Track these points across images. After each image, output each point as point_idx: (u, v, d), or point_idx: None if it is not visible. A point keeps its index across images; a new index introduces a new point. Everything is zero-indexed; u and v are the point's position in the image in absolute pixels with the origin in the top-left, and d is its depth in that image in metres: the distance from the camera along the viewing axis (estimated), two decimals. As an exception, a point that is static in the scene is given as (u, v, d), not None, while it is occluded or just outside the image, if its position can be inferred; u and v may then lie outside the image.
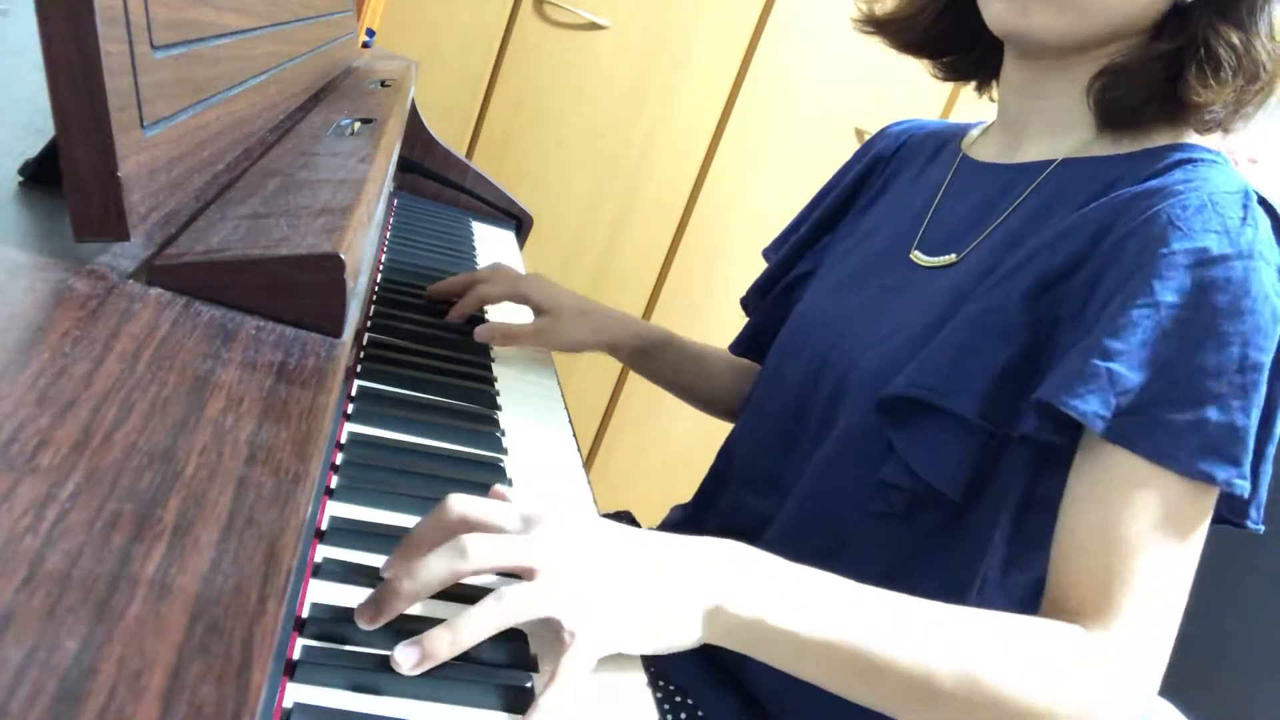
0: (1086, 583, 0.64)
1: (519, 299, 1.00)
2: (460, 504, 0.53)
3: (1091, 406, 0.63)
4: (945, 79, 0.93)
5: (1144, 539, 0.63)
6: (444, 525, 0.53)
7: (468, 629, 0.49)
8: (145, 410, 0.38)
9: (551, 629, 0.52)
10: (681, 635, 0.55)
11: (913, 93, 2.13)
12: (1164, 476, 0.63)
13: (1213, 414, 0.63)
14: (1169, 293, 0.64)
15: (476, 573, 0.51)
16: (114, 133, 0.44)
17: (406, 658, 0.47)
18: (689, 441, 2.31)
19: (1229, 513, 0.67)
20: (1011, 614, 0.63)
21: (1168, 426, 0.63)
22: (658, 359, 1.06)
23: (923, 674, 0.58)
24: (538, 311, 1.00)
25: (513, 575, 0.54)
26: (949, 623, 0.61)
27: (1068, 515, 0.67)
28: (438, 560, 0.50)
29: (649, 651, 0.55)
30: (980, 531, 0.73)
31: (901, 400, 0.72)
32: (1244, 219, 0.66)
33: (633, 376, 2.27)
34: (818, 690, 0.73)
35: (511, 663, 0.52)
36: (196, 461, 0.37)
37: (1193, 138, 0.75)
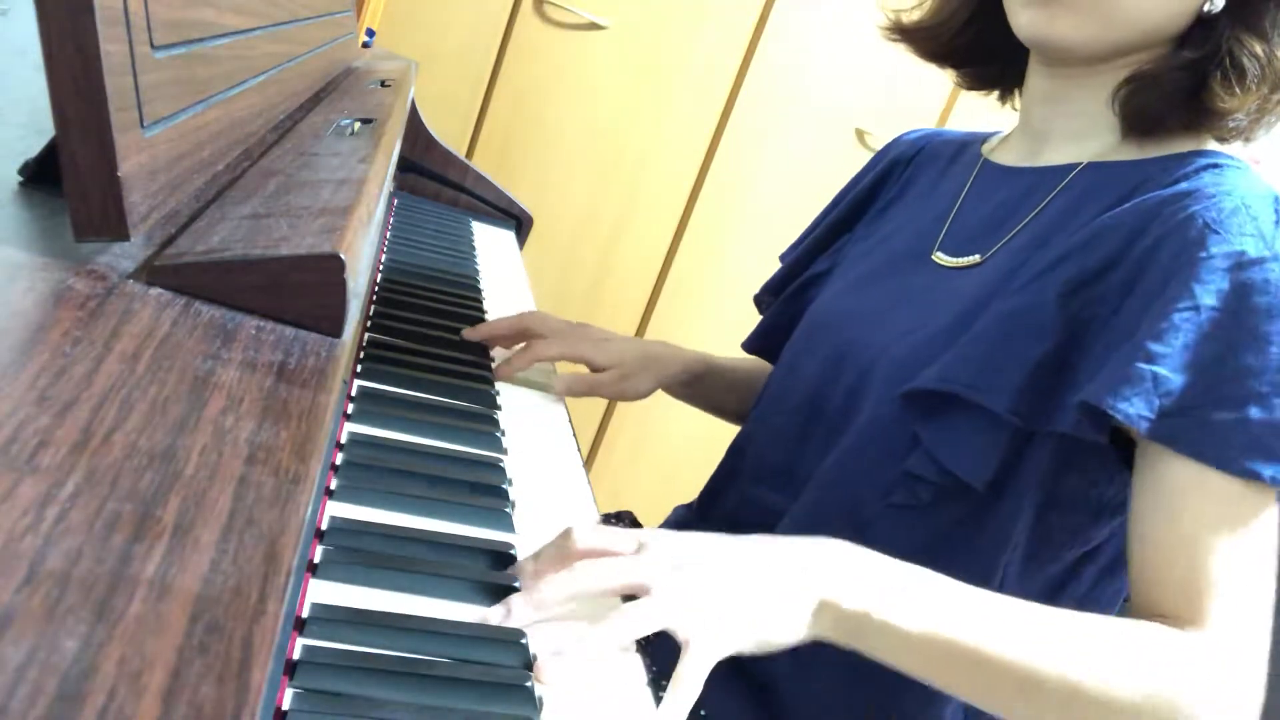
0: (1169, 591, 0.65)
1: (577, 360, 0.99)
2: (582, 538, 0.59)
3: (1136, 409, 0.64)
4: (969, 89, 0.94)
5: (1212, 542, 0.64)
6: (567, 555, 0.58)
7: (598, 641, 0.54)
8: (145, 410, 0.38)
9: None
10: (789, 631, 0.59)
11: (913, 93, 2.13)
12: (1214, 477, 0.64)
13: (1255, 412, 0.63)
14: (1209, 295, 0.65)
15: (593, 592, 0.57)
16: (114, 133, 0.44)
17: (548, 668, 0.52)
18: (689, 441, 2.31)
19: None
20: (1112, 617, 0.65)
21: (1211, 426, 0.64)
22: (701, 388, 1.07)
23: (1027, 669, 0.60)
24: (601, 370, 1.00)
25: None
26: (1053, 620, 0.62)
27: (1137, 526, 0.67)
28: (563, 583, 0.56)
29: (759, 650, 0.59)
30: (1002, 526, 0.73)
31: (929, 394, 0.73)
32: (1277, 222, 0.67)
33: (633, 376, 2.26)
34: (822, 688, 0.74)
35: (512, 664, 0.52)
36: (196, 461, 0.37)
37: (1212, 144, 0.76)
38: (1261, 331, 0.64)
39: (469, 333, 0.97)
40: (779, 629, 0.59)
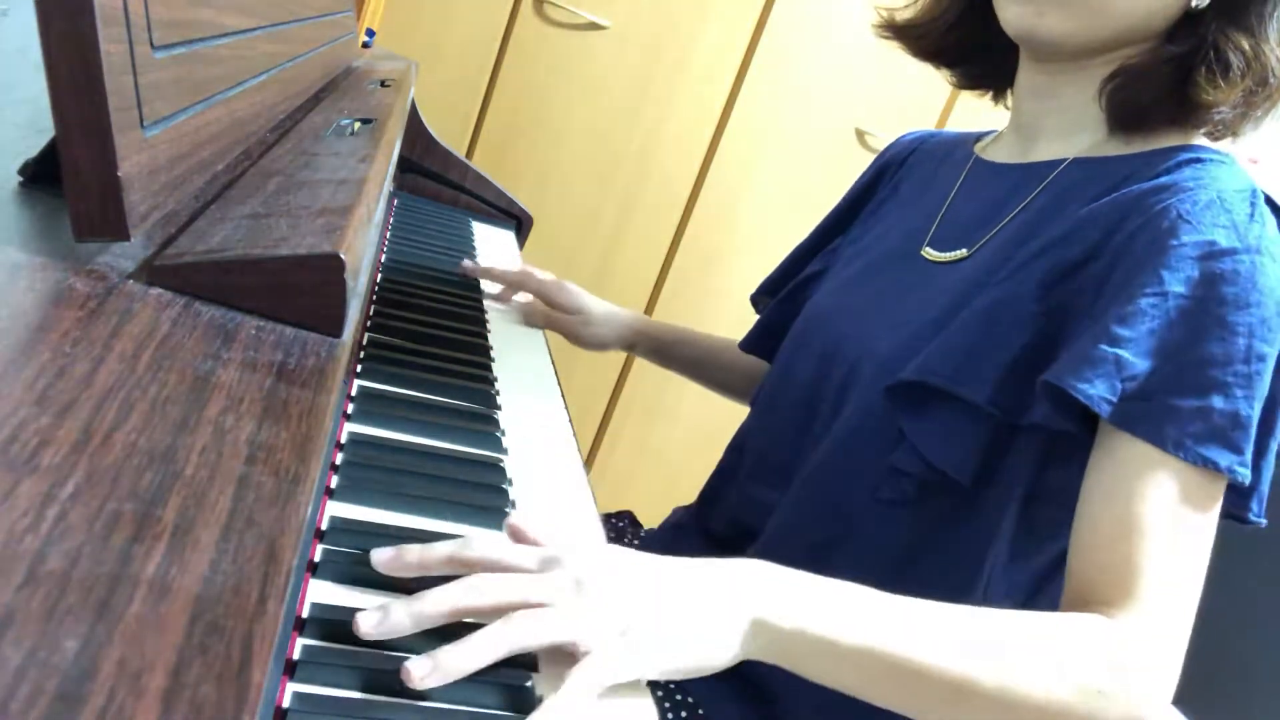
0: (1104, 571, 0.65)
1: (554, 298, 1.16)
2: (481, 546, 0.53)
3: (1098, 391, 0.64)
4: (962, 87, 0.94)
5: (1156, 525, 0.64)
6: (459, 560, 0.53)
7: (478, 649, 0.48)
8: (145, 410, 0.38)
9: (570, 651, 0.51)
10: (714, 654, 0.55)
11: (913, 93, 2.13)
12: (1170, 463, 0.64)
13: (1218, 402, 0.64)
14: (1177, 283, 0.65)
15: (487, 609, 0.50)
16: (114, 133, 0.44)
17: (418, 669, 0.47)
18: (690, 442, 2.31)
19: (1230, 505, 0.68)
20: (1041, 613, 0.63)
21: (1172, 413, 0.64)
22: (673, 356, 1.19)
23: (961, 677, 0.58)
24: (569, 313, 1.16)
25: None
26: (984, 625, 0.61)
27: (1084, 507, 0.67)
28: (450, 594, 0.50)
29: (677, 675, 0.54)
30: (989, 520, 0.74)
31: (913, 387, 0.73)
32: (1251, 216, 0.67)
33: (633, 377, 2.27)
34: (820, 688, 0.73)
35: (511, 663, 0.52)
36: (196, 461, 0.37)
37: (1201, 140, 0.76)
38: (1228, 321, 0.64)
39: (466, 265, 1.16)
40: (702, 653, 0.54)
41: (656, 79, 2.11)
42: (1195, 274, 0.65)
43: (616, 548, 0.57)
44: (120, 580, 0.29)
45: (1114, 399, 0.64)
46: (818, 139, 2.20)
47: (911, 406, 0.74)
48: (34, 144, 0.55)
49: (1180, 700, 0.66)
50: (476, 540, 0.54)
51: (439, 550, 0.53)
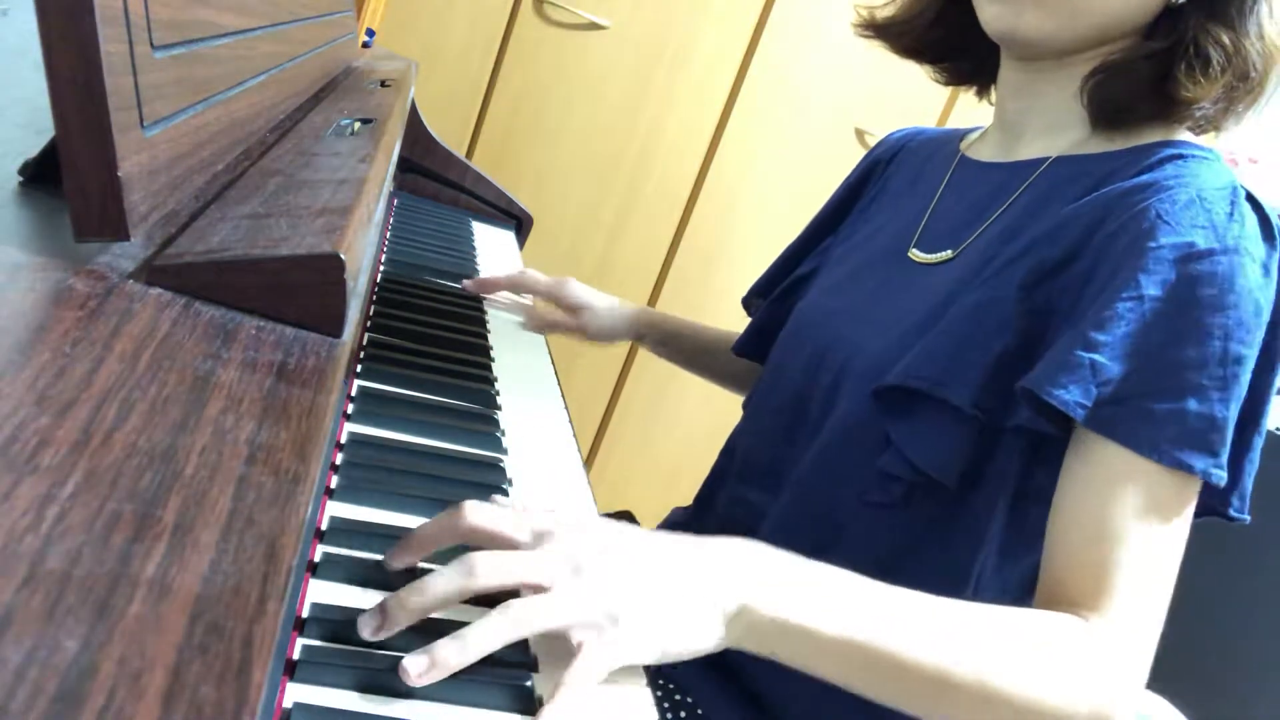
0: (1078, 573, 0.66)
1: (557, 296, 1.15)
2: (474, 514, 0.54)
3: (1073, 396, 0.64)
4: (946, 84, 0.94)
5: (1130, 528, 0.64)
6: (455, 532, 0.54)
7: (475, 642, 0.48)
8: (145, 410, 0.38)
9: (563, 641, 0.52)
10: (701, 639, 0.55)
11: (913, 93, 2.12)
12: (1145, 466, 0.64)
13: (1192, 405, 0.64)
14: (1154, 286, 0.65)
15: (484, 590, 0.51)
16: (114, 133, 0.44)
17: (415, 666, 0.47)
18: (689, 442, 2.31)
19: (1211, 504, 0.69)
20: (1017, 608, 0.64)
21: (1148, 416, 0.64)
22: (677, 348, 1.20)
23: (940, 673, 0.58)
24: (573, 310, 1.16)
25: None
26: (963, 620, 0.61)
27: (1058, 507, 0.68)
28: (445, 578, 0.50)
29: (665, 660, 0.54)
30: (977, 522, 0.74)
31: (898, 390, 0.73)
32: (1231, 214, 0.67)
33: (633, 377, 2.27)
34: (818, 689, 0.73)
35: (511, 662, 0.52)
36: (196, 461, 0.37)
37: (1185, 135, 0.76)
38: (1203, 323, 0.64)
39: (468, 284, 1.15)
40: (689, 638, 0.54)
41: (656, 79, 2.11)
42: (1172, 277, 0.65)
43: (605, 524, 0.57)
44: (120, 580, 0.29)
45: (1088, 404, 0.64)
46: (817, 138, 2.20)
47: (897, 410, 0.74)
48: (34, 144, 0.55)
49: (1176, 693, 0.65)
50: (468, 508, 0.54)
51: (432, 525, 0.54)
